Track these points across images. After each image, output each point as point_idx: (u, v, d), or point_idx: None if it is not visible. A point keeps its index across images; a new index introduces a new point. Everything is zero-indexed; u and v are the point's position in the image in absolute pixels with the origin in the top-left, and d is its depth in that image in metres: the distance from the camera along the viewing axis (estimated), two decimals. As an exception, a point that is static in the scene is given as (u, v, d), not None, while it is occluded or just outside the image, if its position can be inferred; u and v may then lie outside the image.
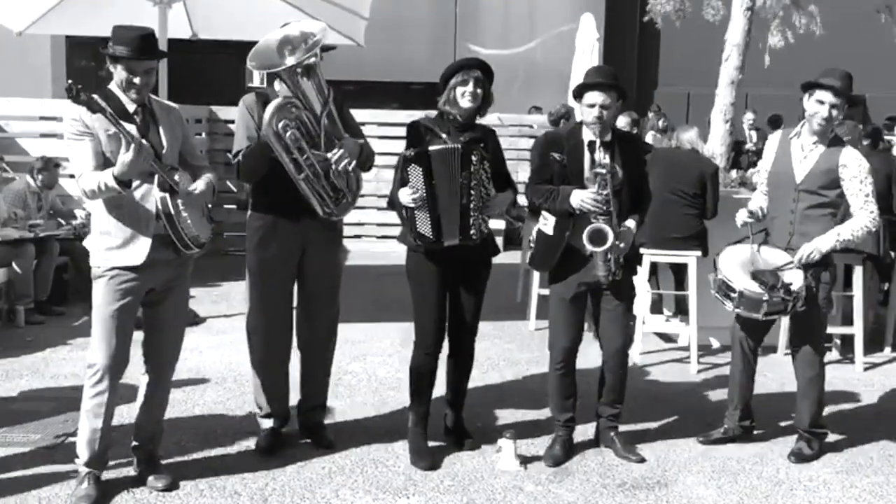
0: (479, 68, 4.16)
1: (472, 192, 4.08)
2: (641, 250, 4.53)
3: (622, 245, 4.16)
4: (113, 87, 3.71)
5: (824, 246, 4.29)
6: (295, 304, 4.38)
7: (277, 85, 4.17)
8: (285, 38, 4.05)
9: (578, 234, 4.11)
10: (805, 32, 9.20)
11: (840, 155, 4.31)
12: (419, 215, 4.09)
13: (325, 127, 4.12)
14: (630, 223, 4.23)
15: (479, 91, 4.13)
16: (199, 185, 3.80)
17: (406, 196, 4.07)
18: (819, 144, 4.36)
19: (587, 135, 4.19)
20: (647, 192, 4.41)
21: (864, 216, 4.30)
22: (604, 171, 4.06)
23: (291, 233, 4.20)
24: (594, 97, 4.12)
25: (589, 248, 4.08)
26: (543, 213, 4.33)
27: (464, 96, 4.12)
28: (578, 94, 4.22)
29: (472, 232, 4.10)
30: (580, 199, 4.11)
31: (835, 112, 4.26)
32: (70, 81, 3.41)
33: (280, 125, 3.96)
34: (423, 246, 4.14)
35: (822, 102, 4.27)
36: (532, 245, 4.51)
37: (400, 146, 4.32)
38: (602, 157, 4.10)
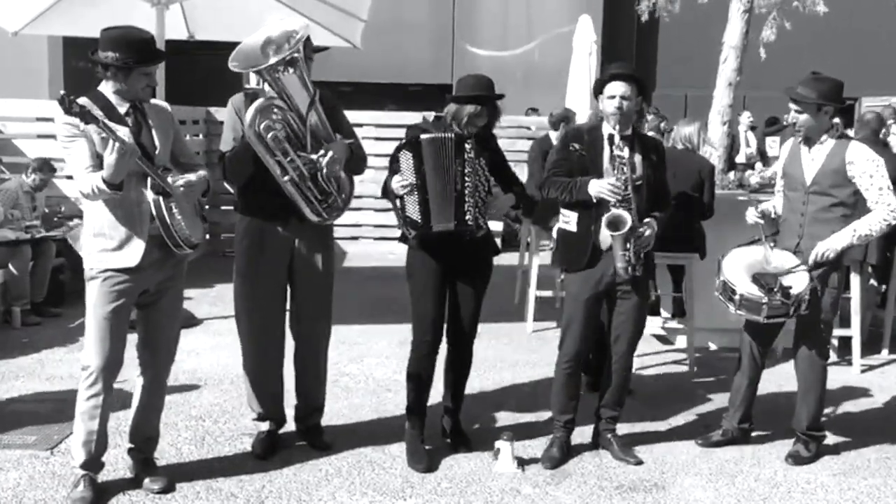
0: (488, 98, 4.18)
1: (468, 179, 4.08)
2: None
3: (645, 233, 4.13)
4: (103, 88, 3.69)
5: (839, 244, 4.25)
6: (288, 306, 4.37)
7: (267, 86, 4.14)
8: (268, 38, 4.01)
9: (598, 230, 4.11)
10: (808, 14, 9.15)
11: (846, 151, 4.30)
12: (408, 200, 4.10)
13: (311, 127, 4.10)
14: (650, 220, 4.19)
15: (482, 120, 4.18)
16: (190, 177, 3.78)
17: (396, 184, 4.10)
18: (825, 143, 4.36)
19: (607, 128, 4.18)
20: (667, 195, 4.38)
21: (881, 210, 4.25)
22: (623, 154, 4.06)
23: (281, 236, 4.17)
24: (615, 88, 4.12)
25: (608, 233, 4.06)
26: (563, 211, 4.32)
27: (477, 125, 4.16)
28: (599, 87, 4.22)
29: (467, 217, 4.08)
30: (598, 187, 4.09)
31: (801, 118, 4.33)
32: (63, 93, 3.40)
33: (262, 126, 3.93)
34: (415, 233, 4.13)
35: (789, 111, 4.43)
36: (551, 247, 4.51)
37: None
38: (621, 148, 4.09)
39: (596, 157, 4.19)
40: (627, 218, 4.03)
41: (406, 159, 4.10)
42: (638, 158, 4.18)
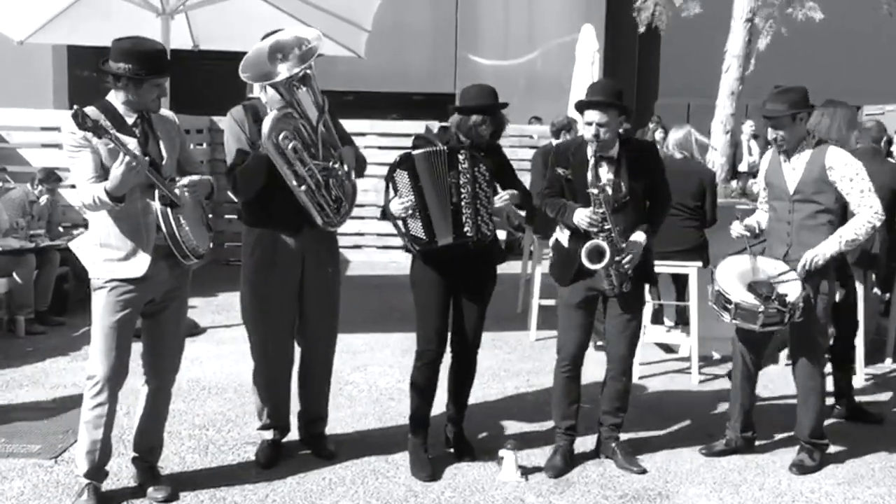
0: (492, 108, 4.19)
1: (463, 190, 4.09)
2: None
3: (627, 258, 4.17)
4: (111, 98, 3.71)
5: (828, 251, 4.28)
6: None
7: (264, 95, 4.15)
8: (276, 43, 4.00)
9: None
10: (804, 25, 9.18)
11: (825, 158, 4.32)
12: (411, 220, 4.12)
13: (321, 136, 4.13)
14: (638, 236, 4.22)
15: (489, 130, 4.19)
16: (193, 177, 3.77)
17: (397, 206, 4.11)
18: (803, 152, 4.38)
19: (592, 150, 4.20)
20: (663, 198, 4.38)
21: (865, 213, 4.26)
22: (596, 191, 4.09)
23: (292, 246, 4.18)
24: (592, 115, 4.13)
25: (587, 265, 4.11)
26: (560, 225, 4.37)
27: (482, 134, 4.17)
28: (579, 110, 4.24)
29: (466, 229, 4.10)
30: (579, 217, 4.16)
31: (780, 133, 4.34)
32: (76, 108, 3.42)
33: (280, 137, 3.95)
34: (420, 249, 4.15)
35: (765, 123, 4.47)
36: (551, 255, 4.54)
37: (400, 157, 4.33)
38: (605, 173, 4.11)
39: (581, 181, 4.21)
40: (606, 251, 4.08)
41: (402, 178, 4.11)
42: (625, 176, 4.19)
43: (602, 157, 4.16)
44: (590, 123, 4.12)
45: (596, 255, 4.10)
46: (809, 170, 4.34)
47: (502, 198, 4.22)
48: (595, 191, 4.08)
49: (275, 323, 4.26)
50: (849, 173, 4.28)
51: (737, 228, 4.56)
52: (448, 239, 4.11)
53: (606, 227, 4.12)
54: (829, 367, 5.55)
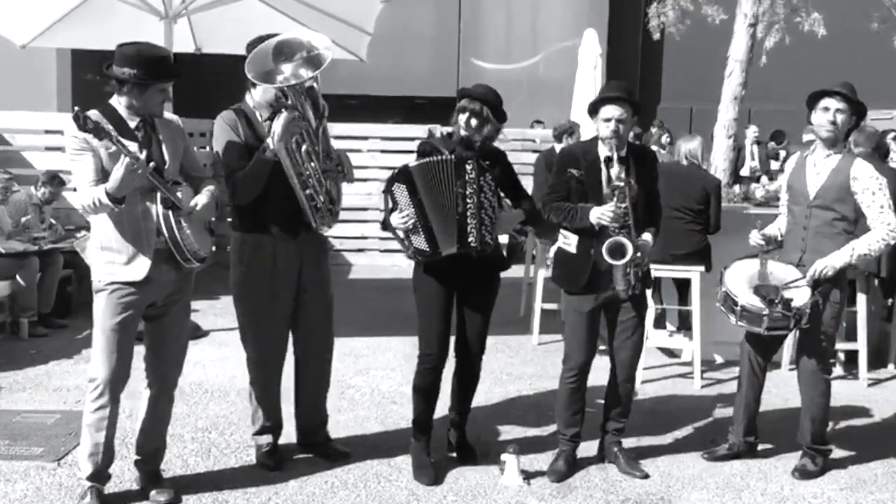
0: (482, 100, 4.14)
1: (469, 200, 4.08)
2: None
3: (643, 254, 4.18)
4: (115, 101, 3.71)
5: (838, 262, 4.26)
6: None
7: (251, 99, 4.16)
8: (282, 43, 4.00)
9: (598, 250, 4.13)
10: (808, 32, 9.19)
11: (851, 167, 4.30)
12: (413, 234, 4.12)
13: (321, 139, 4.15)
14: (647, 237, 4.25)
15: (473, 122, 4.12)
16: (201, 200, 3.80)
17: (397, 221, 4.11)
18: (830, 158, 4.35)
19: (603, 150, 4.20)
20: (659, 205, 4.44)
21: (881, 229, 4.25)
22: (622, 184, 4.08)
23: (290, 249, 4.18)
24: (611, 111, 4.13)
25: (609, 261, 4.08)
26: (563, 232, 4.35)
27: (459, 123, 4.15)
28: (594, 108, 4.23)
29: (470, 240, 4.09)
30: (599, 213, 4.12)
31: (840, 117, 4.27)
32: (77, 109, 3.43)
33: (293, 140, 3.97)
34: (423, 260, 4.15)
35: (827, 109, 4.29)
36: (549, 263, 4.54)
37: (402, 160, 4.33)
38: (619, 171, 4.12)
39: (594, 183, 4.21)
40: (629, 246, 4.06)
41: (401, 191, 4.10)
42: (633, 176, 4.20)
43: (614, 157, 4.15)
44: (608, 120, 4.12)
45: (618, 251, 4.07)
46: (833, 177, 4.31)
47: (510, 221, 4.30)
48: (621, 184, 4.07)
49: (275, 326, 4.25)
50: (872, 186, 4.25)
51: (755, 238, 4.52)
52: (452, 249, 4.10)
53: (629, 221, 4.10)
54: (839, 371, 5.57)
